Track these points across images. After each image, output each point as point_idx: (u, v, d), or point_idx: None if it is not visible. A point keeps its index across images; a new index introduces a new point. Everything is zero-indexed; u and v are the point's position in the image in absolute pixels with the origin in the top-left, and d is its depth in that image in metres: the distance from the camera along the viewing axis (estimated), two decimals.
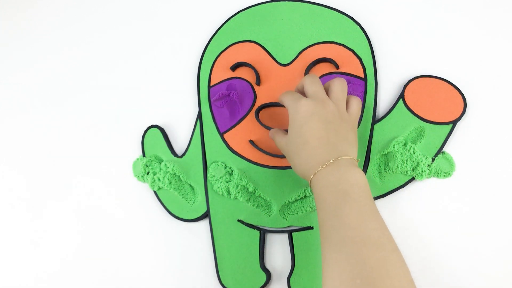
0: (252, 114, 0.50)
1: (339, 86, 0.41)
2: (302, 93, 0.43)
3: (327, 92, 0.42)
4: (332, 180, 0.37)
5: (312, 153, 0.39)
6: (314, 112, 0.39)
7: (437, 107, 0.46)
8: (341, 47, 0.50)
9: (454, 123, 0.45)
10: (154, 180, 0.50)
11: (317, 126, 0.39)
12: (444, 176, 0.45)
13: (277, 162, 0.48)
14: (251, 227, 0.47)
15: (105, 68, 0.57)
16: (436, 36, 0.49)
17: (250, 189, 0.47)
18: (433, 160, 0.45)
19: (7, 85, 0.60)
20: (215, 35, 0.54)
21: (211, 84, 0.52)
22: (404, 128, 0.46)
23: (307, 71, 0.49)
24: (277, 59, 0.51)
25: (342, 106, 0.41)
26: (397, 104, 0.47)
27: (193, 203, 0.49)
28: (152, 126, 0.52)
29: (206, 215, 0.48)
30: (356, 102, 0.43)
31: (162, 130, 0.52)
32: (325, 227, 0.36)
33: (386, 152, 0.46)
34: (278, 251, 0.47)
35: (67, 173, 0.54)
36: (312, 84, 0.41)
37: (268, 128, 0.48)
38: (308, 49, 0.50)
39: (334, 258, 0.34)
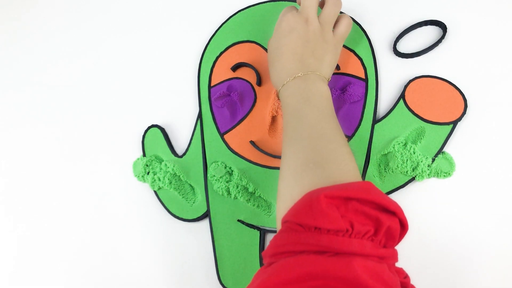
0: (252, 114, 0.50)
1: (331, 7, 0.43)
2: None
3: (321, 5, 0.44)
4: (296, 89, 0.41)
5: (284, 66, 0.42)
6: (295, 28, 0.42)
7: (438, 107, 0.46)
8: (342, 47, 0.50)
9: (454, 123, 0.45)
10: (154, 180, 0.50)
11: (295, 42, 0.42)
12: (444, 176, 0.45)
13: (277, 163, 0.48)
14: (251, 227, 0.47)
15: (105, 68, 0.57)
16: (436, 36, 0.49)
17: (250, 189, 0.47)
18: (433, 160, 0.45)
19: (8, 85, 0.60)
20: (215, 35, 0.54)
21: (212, 84, 0.52)
22: (405, 128, 0.46)
23: None
24: None
25: (329, 27, 0.43)
26: (398, 104, 0.47)
27: (193, 203, 0.49)
28: (153, 126, 0.52)
29: (206, 215, 0.48)
30: (345, 23, 0.44)
31: (162, 130, 0.52)
32: (287, 128, 0.39)
33: (386, 152, 0.46)
34: None
35: (67, 173, 0.54)
36: None
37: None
38: None
39: (292, 150, 0.37)
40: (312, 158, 0.35)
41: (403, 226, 0.32)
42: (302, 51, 0.42)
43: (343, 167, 0.35)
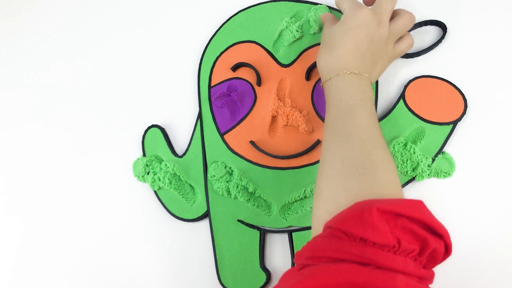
0: (252, 114, 0.50)
1: (406, 22, 0.43)
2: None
3: (393, 16, 0.44)
4: (352, 85, 0.40)
5: (344, 57, 0.41)
6: (367, 24, 0.41)
7: (438, 107, 0.46)
8: None
9: (454, 123, 0.45)
10: (155, 180, 0.50)
11: (362, 38, 0.41)
12: (444, 176, 0.45)
13: (277, 163, 0.48)
14: (251, 227, 0.47)
15: (105, 68, 0.57)
16: (436, 36, 0.49)
17: (250, 189, 0.47)
18: (433, 160, 0.45)
19: (8, 85, 0.60)
20: (215, 35, 0.54)
21: (212, 84, 0.52)
22: (404, 128, 0.46)
23: (308, 72, 0.49)
24: (278, 60, 0.51)
25: (394, 38, 0.44)
26: (398, 104, 0.47)
27: (193, 203, 0.49)
28: (153, 126, 0.52)
29: (206, 215, 0.48)
30: (408, 42, 0.45)
31: (162, 130, 0.52)
32: (335, 123, 0.39)
33: None
34: (278, 251, 0.47)
35: (67, 173, 0.54)
36: (388, 1, 0.42)
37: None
38: (309, 50, 0.50)
39: (339, 147, 0.37)
40: (361, 163, 0.35)
41: (447, 251, 0.32)
42: (365, 49, 0.41)
43: (392, 178, 0.35)
